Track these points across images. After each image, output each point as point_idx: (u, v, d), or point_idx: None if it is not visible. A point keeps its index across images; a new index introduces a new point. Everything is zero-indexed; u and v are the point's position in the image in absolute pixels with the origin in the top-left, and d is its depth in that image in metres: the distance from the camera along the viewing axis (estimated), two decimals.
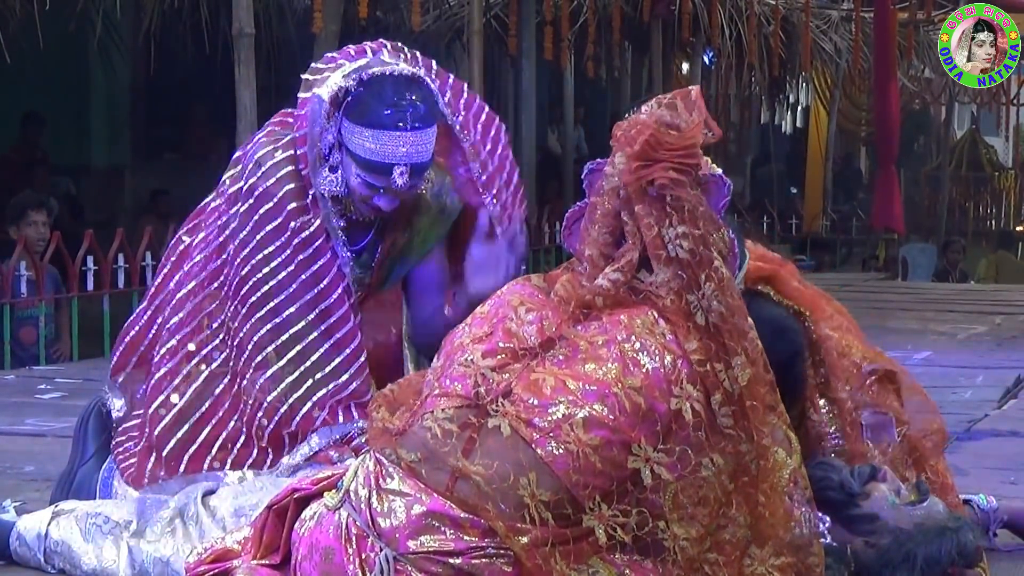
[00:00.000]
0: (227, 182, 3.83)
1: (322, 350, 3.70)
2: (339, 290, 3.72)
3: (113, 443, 3.90)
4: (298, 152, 3.71)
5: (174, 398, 3.78)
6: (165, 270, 3.96)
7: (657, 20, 14.04)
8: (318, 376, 3.69)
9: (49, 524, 3.57)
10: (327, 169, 3.66)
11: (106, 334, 8.07)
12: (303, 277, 3.70)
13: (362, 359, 3.74)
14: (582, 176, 3.14)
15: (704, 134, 2.95)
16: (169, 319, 3.84)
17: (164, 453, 3.76)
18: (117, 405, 3.94)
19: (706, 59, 16.71)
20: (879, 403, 3.64)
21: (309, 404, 3.67)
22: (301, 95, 3.72)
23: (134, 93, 14.30)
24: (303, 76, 3.74)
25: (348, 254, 3.76)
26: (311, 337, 3.70)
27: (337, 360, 3.70)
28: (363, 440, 3.58)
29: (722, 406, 2.88)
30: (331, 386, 3.69)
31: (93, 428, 3.96)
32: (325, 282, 3.71)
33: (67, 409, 5.77)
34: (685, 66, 17.25)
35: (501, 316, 3.00)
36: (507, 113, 17.56)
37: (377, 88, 3.58)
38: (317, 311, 3.70)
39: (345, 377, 3.70)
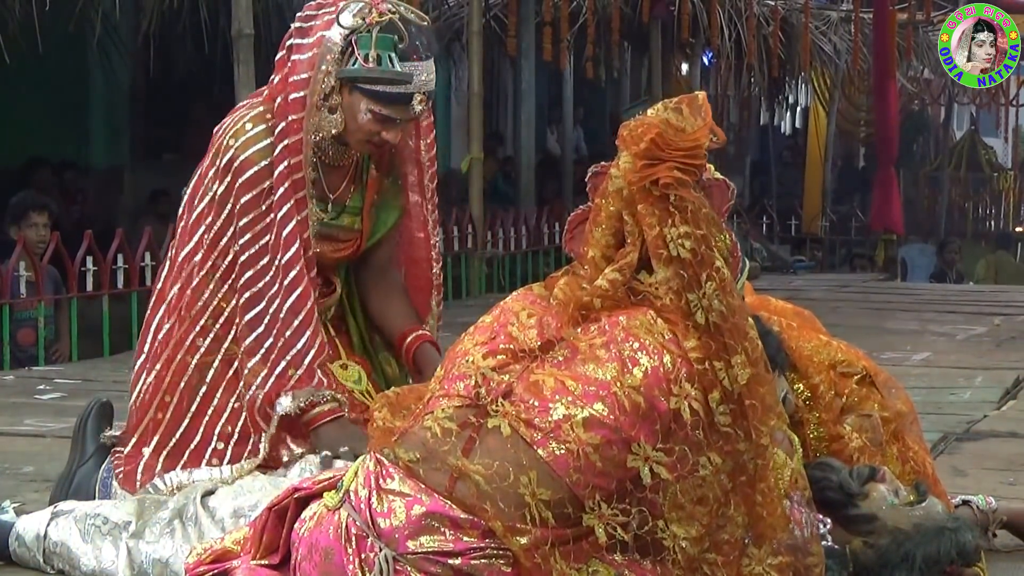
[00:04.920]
0: (207, 160, 3.87)
1: (292, 326, 3.73)
2: (301, 254, 3.75)
3: (113, 453, 3.90)
4: (291, 97, 3.73)
5: (167, 398, 3.81)
6: (170, 252, 3.97)
7: (656, 21, 14.04)
8: (289, 355, 3.72)
9: (48, 525, 3.57)
10: (326, 110, 3.73)
11: (105, 335, 8.07)
12: (271, 244, 3.74)
13: (316, 320, 3.77)
14: (586, 179, 3.15)
15: (709, 137, 2.97)
16: (169, 317, 3.86)
17: (164, 453, 3.78)
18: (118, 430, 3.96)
19: (705, 60, 16.72)
20: (862, 406, 3.64)
21: (283, 363, 3.71)
22: (296, 41, 3.77)
23: (134, 93, 14.29)
24: (294, 24, 3.80)
25: (317, 209, 3.82)
26: (277, 310, 3.73)
27: (296, 323, 3.73)
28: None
29: (720, 404, 2.89)
30: (295, 351, 3.72)
31: (92, 428, 3.96)
32: (292, 250, 3.74)
33: (66, 410, 5.77)
34: (684, 67, 17.26)
35: (503, 322, 3.02)
36: (506, 113, 17.61)
37: (385, 25, 3.68)
38: (285, 281, 3.74)
39: (305, 338, 3.73)
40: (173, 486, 3.73)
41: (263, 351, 3.72)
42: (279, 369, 3.70)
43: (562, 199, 14.12)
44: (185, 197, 3.93)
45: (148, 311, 3.98)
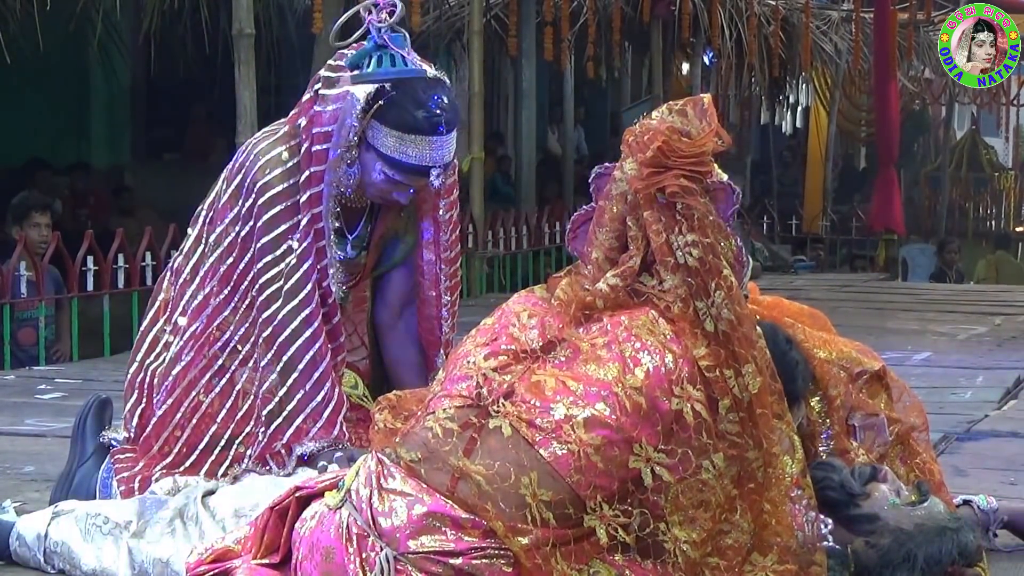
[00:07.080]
0: (228, 179, 3.83)
1: (313, 378, 3.71)
2: (317, 297, 3.74)
3: (113, 460, 3.89)
4: (314, 149, 3.70)
5: (177, 432, 3.81)
6: (176, 261, 3.95)
7: (657, 20, 14.05)
8: (308, 387, 3.70)
9: (49, 524, 3.57)
10: (345, 164, 3.69)
11: (106, 335, 8.06)
12: (294, 279, 3.71)
13: (335, 373, 3.76)
14: (589, 180, 3.14)
15: (715, 142, 2.96)
16: (184, 330, 3.84)
17: (164, 463, 3.79)
18: (121, 435, 3.94)
19: (706, 59, 16.71)
20: (870, 405, 3.64)
21: (301, 417, 3.68)
22: (324, 91, 3.70)
23: (134, 93, 14.31)
24: (323, 73, 3.73)
25: (337, 255, 3.78)
26: (301, 348, 3.71)
27: (317, 375, 3.71)
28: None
29: (729, 412, 2.89)
30: (319, 398, 3.70)
31: (91, 427, 3.96)
32: (307, 288, 3.72)
33: (67, 409, 5.76)
34: (685, 66, 17.25)
35: (504, 323, 3.02)
36: (507, 113, 17.61)
37: (410, 91, 3.63)
38: (300, 317, 3.71)
39: (326, 388, 3.72)
40: (173, 488, 3.72)
41: (280, 398, 3.69)
42: (298, 421, 3.68)
43: (563, 199, 14.12)
44: (199, 224, 3.88)
45: (148, 319, 3.96)
